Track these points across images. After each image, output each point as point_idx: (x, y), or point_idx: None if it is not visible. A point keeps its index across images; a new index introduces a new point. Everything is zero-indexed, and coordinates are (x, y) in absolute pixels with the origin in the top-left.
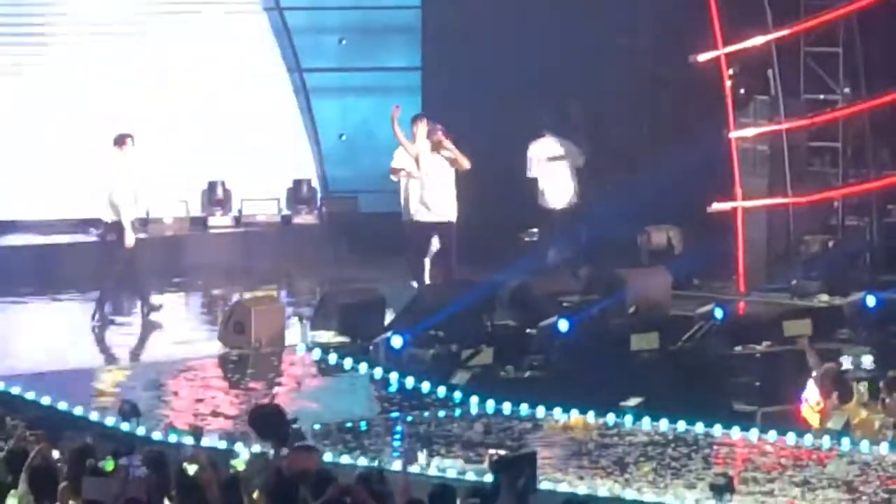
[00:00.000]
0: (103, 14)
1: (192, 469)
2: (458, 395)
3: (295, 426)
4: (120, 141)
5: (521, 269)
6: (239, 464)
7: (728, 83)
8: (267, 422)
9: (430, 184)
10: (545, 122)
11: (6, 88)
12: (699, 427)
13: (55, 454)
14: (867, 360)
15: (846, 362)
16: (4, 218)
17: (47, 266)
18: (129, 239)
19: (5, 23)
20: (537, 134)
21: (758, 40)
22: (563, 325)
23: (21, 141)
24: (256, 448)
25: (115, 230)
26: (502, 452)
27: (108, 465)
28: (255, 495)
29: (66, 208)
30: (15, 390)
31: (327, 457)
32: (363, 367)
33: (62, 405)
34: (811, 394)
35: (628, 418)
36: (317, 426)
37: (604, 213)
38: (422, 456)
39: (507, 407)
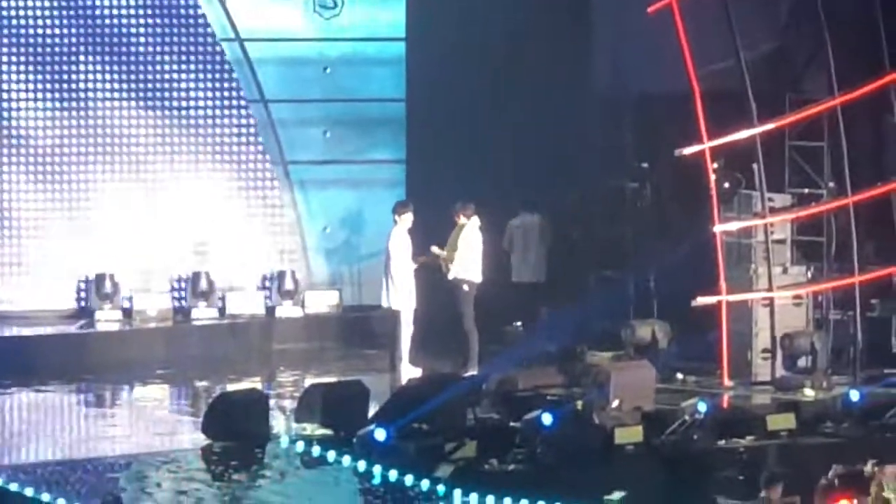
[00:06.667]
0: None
1: None
2: (441, 488)
3: None
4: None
5: (505, 363)
6: None
7: (713, 177)
8: None
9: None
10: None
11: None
12: None
13: None
14: None
15: None
16: None
17: (29, 357)
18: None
19: None
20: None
21: (743, 134)
22: (547, 419)
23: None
24: None
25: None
26: None
27: None
28: None
29: (47, 300)
30: None
31: None
32: (346, 460)
33: (45, 497)
34: None
35: None
36: None
37: (588, 308)
38: None
39: (490, 501)
